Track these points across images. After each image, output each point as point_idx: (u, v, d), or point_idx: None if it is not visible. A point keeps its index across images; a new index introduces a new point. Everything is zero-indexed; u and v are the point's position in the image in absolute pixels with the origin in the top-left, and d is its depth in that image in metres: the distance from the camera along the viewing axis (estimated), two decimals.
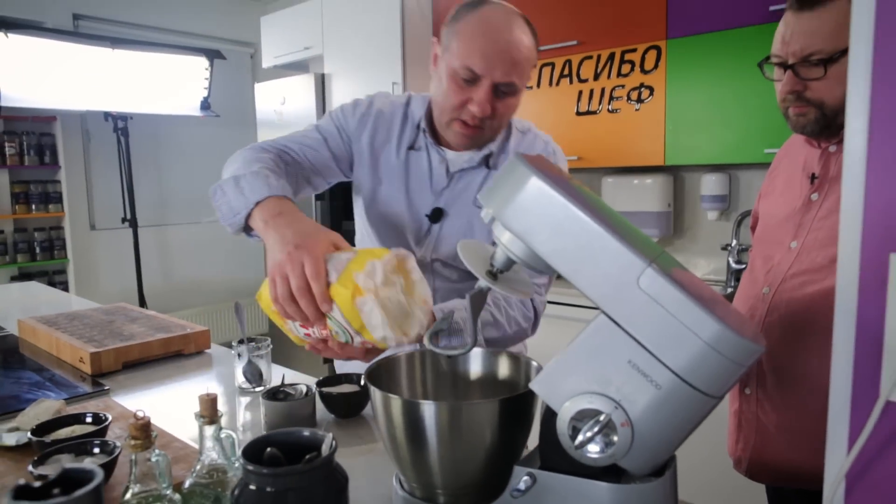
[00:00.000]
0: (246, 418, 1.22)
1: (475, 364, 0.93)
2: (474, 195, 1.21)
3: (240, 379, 1.32)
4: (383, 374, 0.86)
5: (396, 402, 0.74)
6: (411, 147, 1.24)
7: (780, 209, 1.17)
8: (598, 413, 0.65)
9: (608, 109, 2.71)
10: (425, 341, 0.78)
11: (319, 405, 1.17)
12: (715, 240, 2.81)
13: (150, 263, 4.22)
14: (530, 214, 0.67)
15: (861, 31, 0.62)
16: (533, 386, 0.69)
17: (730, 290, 2.61)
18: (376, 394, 0.76)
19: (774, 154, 1.31)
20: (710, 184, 2.68)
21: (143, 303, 3.78)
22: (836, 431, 0.69)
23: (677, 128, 2.54)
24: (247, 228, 1.02)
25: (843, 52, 0.97)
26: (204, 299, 4.49)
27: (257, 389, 1.32)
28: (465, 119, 1.12)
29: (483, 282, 0.71)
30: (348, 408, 1.15)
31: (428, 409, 0.73)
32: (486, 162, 1.21)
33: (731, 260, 2.62)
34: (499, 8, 1.11)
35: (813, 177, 1.11)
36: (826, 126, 1.04)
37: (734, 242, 2.61)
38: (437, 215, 1.21)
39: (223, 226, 1.04)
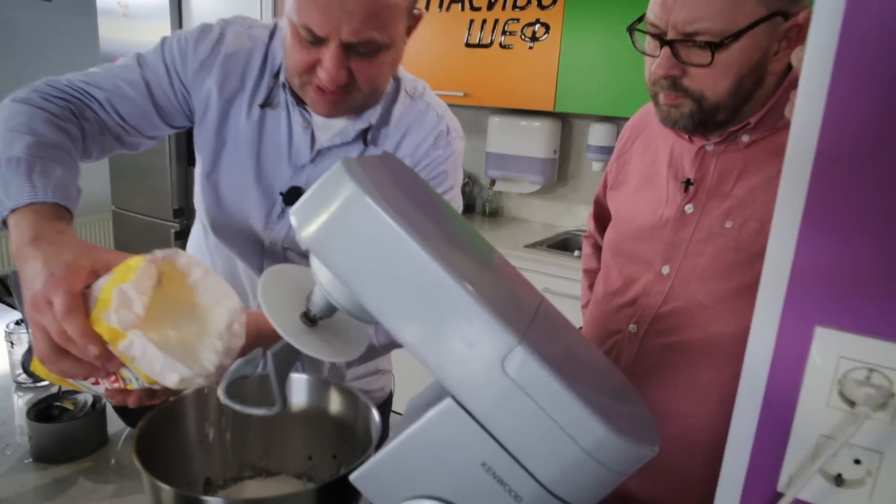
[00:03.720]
0: (22, 424, 0.96)
1: (300, 394, 0.73)
2: None
3: (17, 370, 1.05)
4: (167, 420, 0.65)
5: (168, 495, 0.53)
6: (267, 103, 0.93)
7: (640, 213, 0.95)
8: None
9: (500, 44, 2.49)
10: (220, 394, 0.56)
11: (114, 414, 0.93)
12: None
13: None
14: (358, 253, 0.46)
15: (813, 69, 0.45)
16: (355, 480, 0.51)
17: None
18: (144, 477, 0.55)
19: None
20: (598, 134, 2.57)
21: None
22: None
23: (570, 73, 2.37)
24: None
25: (736, 37, 0.76)
26: None
27: (41, 384, 1.05)
28: (319, 85, 0.83)
29: (291, 338, 0.50)
30: None
31: None
32: (364, 137, 0.93)
33: None
34: None
35: (688, 182, 0.90)
36: (702, 123, 0.84)
37: None
38: (294, 195, 0.93)
39: None
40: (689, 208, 0.89)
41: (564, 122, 2.73)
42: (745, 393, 0.55)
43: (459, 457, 0.47)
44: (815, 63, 0.47)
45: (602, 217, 1.13)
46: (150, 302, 0.58)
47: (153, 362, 0.58)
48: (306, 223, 0.47)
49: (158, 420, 0.63)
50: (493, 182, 2.88)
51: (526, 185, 2.79)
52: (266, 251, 0.97)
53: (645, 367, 0.92)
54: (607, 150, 2.58)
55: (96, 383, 0.65)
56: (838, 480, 0.53)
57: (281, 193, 0.94)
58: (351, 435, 0.69)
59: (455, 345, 0.45)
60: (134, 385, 0.62)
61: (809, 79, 0.48)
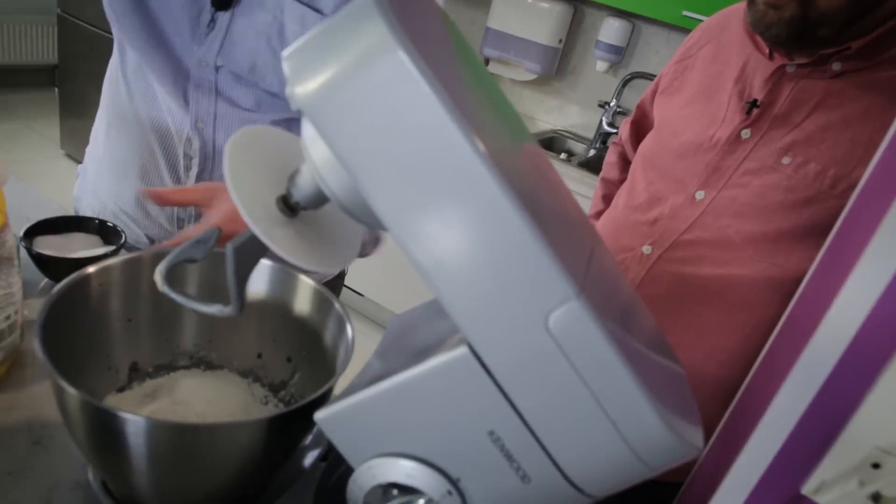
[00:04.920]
0: None
1: (260, 283, 0.61)
2: None
3: None
4: (82, 294, 0.52)
5: (74, 401, 0.41)
6: None
7: (688, 127, 0.83)
8: (417, 495, 0.39)
9: None
10: (157, 279, 0.43)
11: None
12: (595, 93, 2.57)
13: None
14: (374, 129, 0.32)
15: None
16: (321, 421, 0.40)
17: (592, 152, 2.45)
18: (49, 369, 0.42)
19: (693, 21, 0.90)
20: (610, 30, 2.35)
21: None
22: None
23: None
24: None
25: None
26: None
27: None
28: None
29: (258, 228, 0.36)
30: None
31: (135, 428, 0.41)
32: None
33: (604, 120, 2.42)
34: None
35: (753, 104, 0.77)
36: (799, 35, 0.70)
37: (613, 102, 2.39)
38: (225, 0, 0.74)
39: None
40: (745, 133, 0.77)
41: (577, 9, 2.49)
42: (802, 370, 0.46)
43: (462, 419, 0.37)
44: None
45: (640, 125, 0.99)
46: None
47: None
48: (304, 75, 0.33)
49: (72, 293, 0.50)
50: (486, 62, 2.66)
51: (521, 72, 2.58)
52: (193, 73, 0.78)
53: (649, 293, 0.83)
54: (616, 51, 2.38)
55: None
56: (875, 497, 0.45)
57: None
58: (314, 342, 0.57)
59: (491, 285, 0.33)
60: None
61: None
